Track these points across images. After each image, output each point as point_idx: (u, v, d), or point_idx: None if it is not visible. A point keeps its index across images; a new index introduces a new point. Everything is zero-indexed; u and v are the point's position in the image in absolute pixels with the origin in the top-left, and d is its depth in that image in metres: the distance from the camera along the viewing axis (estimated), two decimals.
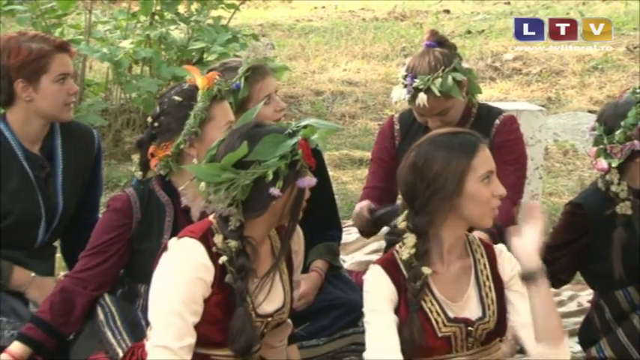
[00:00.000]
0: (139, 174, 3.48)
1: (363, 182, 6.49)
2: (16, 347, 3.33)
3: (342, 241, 4.32)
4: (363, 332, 3.81)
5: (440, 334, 2.97)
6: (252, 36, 7.78)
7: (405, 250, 2.96)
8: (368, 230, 3.96)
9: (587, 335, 3.92)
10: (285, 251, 3.07)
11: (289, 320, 3.23)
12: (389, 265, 3.02)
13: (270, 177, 2.88)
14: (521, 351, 3.66)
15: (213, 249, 2.93)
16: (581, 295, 4.69)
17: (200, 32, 7.38)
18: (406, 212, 2.97)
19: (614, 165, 3.73)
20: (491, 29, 10.60)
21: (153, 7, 7.27)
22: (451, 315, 2.99)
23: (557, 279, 4.02)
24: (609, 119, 3.76)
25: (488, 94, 8.32)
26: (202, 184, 2.93)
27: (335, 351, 3.97)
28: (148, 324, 3.03)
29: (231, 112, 3.47)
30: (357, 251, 5.26)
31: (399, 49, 9.91)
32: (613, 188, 3.74)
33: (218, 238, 2.93)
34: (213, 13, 7.73)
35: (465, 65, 4.07)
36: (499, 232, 3.30)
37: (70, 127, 3.89)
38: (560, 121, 7.83)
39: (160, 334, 2.87)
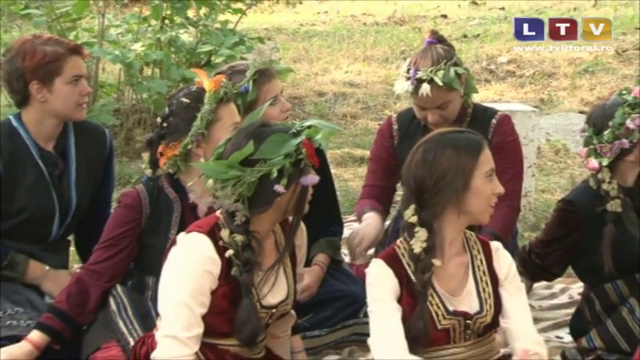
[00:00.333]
0: (148, 171, 3.48)
1: (364, 180, 6.52)
2: (36, 336, 3.33)
3: (344, 235, 4.31)
4: (363, 323, 3.83)
5: (439, 327, 2.97)
6: (257, 39, 7.78)
7: (417, 243, 2.94)
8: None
9: (577, 326, 3.91)
10: (289, 246, 3.07)
11: (293, 311, 3.23)
12: (391, 259, 3.01)
13: (275, 174, 2.88)
14: None
15: (220, 243, 2.93)
16: (572, 288, 4.68)
17: (208, 36, 7.38)
18: (413, 207, 2.97)
19: (605, 164, 3.73)
20: (487, 33, 10.59)
21: (163, 11, 7.27)
22: (450, 308, 2.98)
23: (551, 273, 4.02)
24: (598, 120, 3.76)
25: (484, 96, 8.32)
26: (210, 181, 2.93)
27: (336, 341, 3.97)
28: (158, 314, 3.02)
29: (237, 113, 3.47)
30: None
31: (399, 52, 9.91)
32: (604, 186, 3.73)
33: (225, 233, 2.93)
34: (221, 17, 7.74)
35: None
36: (499, 241, 3.28)
37: (83, 126, 3.89)
38: (552, 122, 7.82)
39: (169, 324, 2.87)
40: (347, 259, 4.29)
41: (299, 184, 2.94)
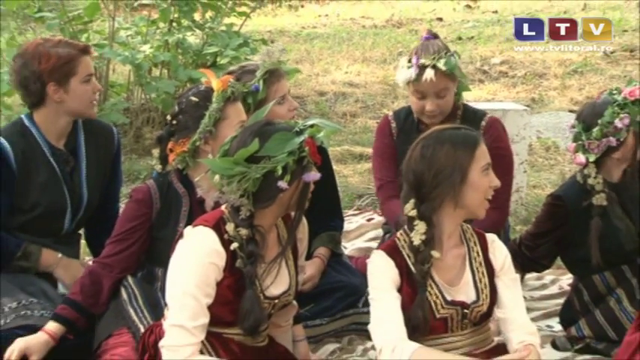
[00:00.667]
0: (158, 167, 3.48)
1: (363, 175, 6.52)
2: (52, 326, 3.33)
3: (344, 229, 4.31)
4: (362, 313, 3.84)
5: (438, 316, 2.97)
6: (261, 41, 7.79)
7: (417, 235, 2.95)
8: None
9: (567, 316, 3.92)
10: (292, 240, 3.07)
11: (295, 302, 3.23)
12: (392, 250, 3.01)
13: (279, 171, 2.88)
14: None
15: (225, 236, 2.93)
16: (561, 279, 4.68)
17: (214, 38, 7.38)
18: (412, 201, 2.97)
19: (591, 160, 3.74)
20: (480, 36, 10.58)
21: (171, 14, 7.27)
22: (449, 298, 2.98)
23: (540, 264, 4.02)
24: (587, 118, 3.76)
25: (477, 95, 8.31)
26: (217, 177, 2.93)
27: (336, 330, 3.97)
28: (166, 304, 3.03)
29: (243, 112, 3.47)
30: (357, 238, 5.26)
31: (396, 54, 9.89)
32: (590, 181, 3.74)
33: (230, 227, 2.93)
34: (226, 20, 7.74)
35: None
36: None
37: (92, 124, 3.90)
38: (543, 120, 7.81)
39: (176, 314, 2.87)
40: (346, 252, 4.29)
41: (301, 181, 2.94)
